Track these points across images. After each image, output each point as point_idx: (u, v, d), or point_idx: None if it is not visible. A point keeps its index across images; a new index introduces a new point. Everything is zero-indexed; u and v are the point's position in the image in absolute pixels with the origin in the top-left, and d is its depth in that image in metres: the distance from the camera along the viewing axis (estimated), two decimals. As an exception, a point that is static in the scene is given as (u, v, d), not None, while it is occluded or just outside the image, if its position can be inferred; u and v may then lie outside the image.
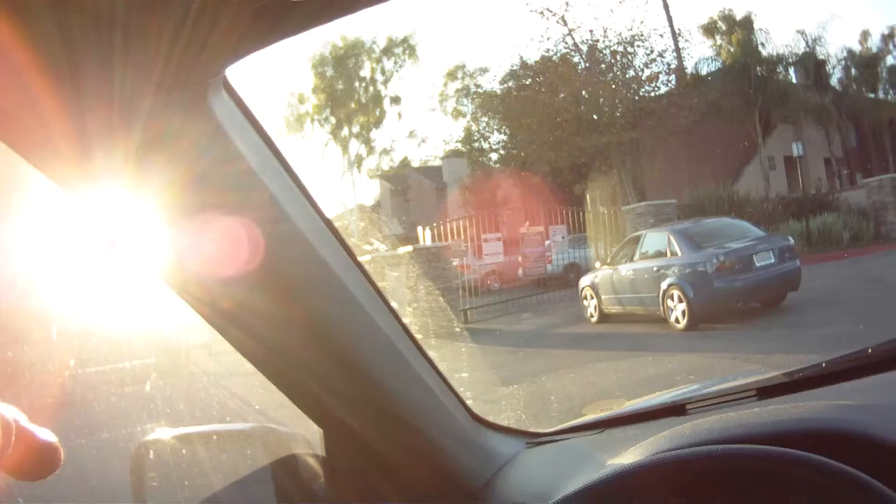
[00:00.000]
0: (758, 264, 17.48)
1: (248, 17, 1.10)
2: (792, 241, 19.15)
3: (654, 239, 20.09)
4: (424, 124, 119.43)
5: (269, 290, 1.61)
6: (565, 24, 44.44)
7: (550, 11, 43.74)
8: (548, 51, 45.25)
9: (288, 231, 1.55)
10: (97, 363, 10.19)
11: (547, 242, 31.18)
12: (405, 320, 1.96)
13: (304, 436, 2.20)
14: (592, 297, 21.41)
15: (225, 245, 1.45)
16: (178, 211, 1.41)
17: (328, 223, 1.69)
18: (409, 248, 24.67)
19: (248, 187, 1.45)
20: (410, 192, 65.94)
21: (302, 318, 1.69)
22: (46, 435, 0.70)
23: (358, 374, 1.86)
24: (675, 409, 2.33)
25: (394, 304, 1.93)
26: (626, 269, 20.27)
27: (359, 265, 1.79)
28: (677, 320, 17.41)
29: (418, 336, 2.02)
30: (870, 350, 2.14)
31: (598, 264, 23.30)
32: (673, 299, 17.65)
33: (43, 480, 0.69)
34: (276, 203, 1.50)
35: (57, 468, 0.70)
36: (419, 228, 28.75)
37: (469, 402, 2.26)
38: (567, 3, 45.40)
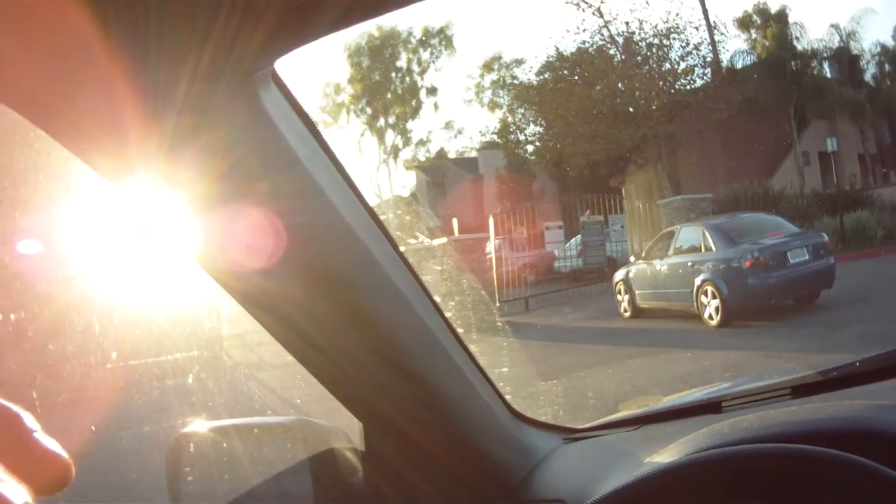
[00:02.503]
0: (792, 261, 17.40)
1: (297, 11, 1.11)
2: (826, 237, 18.97)
3: (689, 233, 20.01)
4: (461, 115, 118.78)
5: (312, 280, 1.60)
6: (601, 15, 44.24)
7: (586, 3, 43.61)
8: (584, 42, 45.21)
9: (333, 222, 1.55)
10: (139, 356, 10.21)
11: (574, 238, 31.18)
12: (447, 314, 1.97)
13: (343, 430, 2.19)
14: (626, 292, 21.35)
15: (270, 235, 1.43)
16: (222, 201, 1.40)
17: (373, 214, 1.68)
18: (444, 239, 24.17)
19: (293, 176, 1.45)
20: (447, 183, 65.30)
21: (344, 309, 1.68)
22: (57, 449, 0.66)
23: (399, 366, 1.85)
24: (711, 407, 2.33)
25: (436, 298, 1.92)
26: (660, 264, 20.24)
27: (401, 257, 1.79)
28: (711, 317, 17.36)
29: (459, 329, 2.02)
30: None
31: (632, 258, 23.23)
32: (707, 295, 17.58)
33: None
34: (321, 194, 1.50)
35: (66, 486, 0.66)
36: (454, 220, 28.66)
37: (507, 398, 2.26)
38: (603, -5, 44.77)
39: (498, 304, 24.04)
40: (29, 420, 0.66)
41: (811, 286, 17.82)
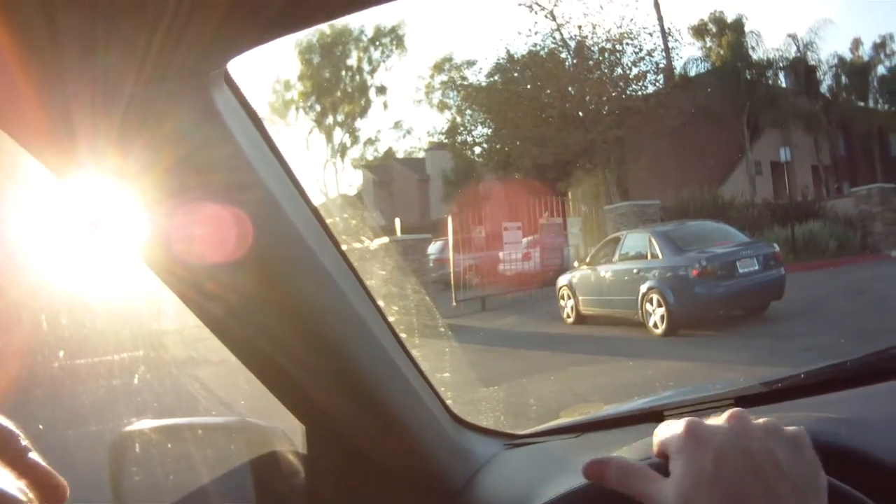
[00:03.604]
0: (741, 270, 17.11)
1: (251, 11, 1.09)
2: (777, 248, 18.81)
3: (635, 240, 19.68)
4: (410, 115, 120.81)
5: (253, 277, 1.55)
6: (554, 19, 44.49)
7: (539, 6, 43.71)
8: (535, 45, 45.84)
9: (277, 219, 1.51)
10: (86, 354, 9.63)
11: (526, 239, 31.07)
12: (389, 317, 1.95)
13: (285, 432, 2.14)
14: (570, 297, 21.05)
15: (214, 230, 1.41)
16: (167, 196, 1.36)
17: (317, 214, 1.66)
18: (385, 239, 23.90)
19: (239, 172, 1.40)
20: (393, 183, 66.75)
21: (286, 308, 1.64)
22: (52, 470, 0.67)
23: (340, 368, 1.82)
24: (653, 415, 2.31)
25: (379, 301, 1.91)
26: (604, 270, 19.90)
27: (344, 257, 1.76)
28: (656, 325, 17.00)
29: (401, 333, 2.01)
30: (849, 363, 2.22)
31: (576, 263, 22.93)
32: (652, 303, 17.25)
33: None
34: (265, 190, 1.46)
35: None
36: (396, 220, 28.80)
37: (448, 402, 2.24)
38: (556, -2, 45.17)
39: (454, 304, 25.53)
40: (23, 440, 0.68)
41: (760, 297, 17.61)
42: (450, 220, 28.38)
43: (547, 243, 30.27)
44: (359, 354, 1.83)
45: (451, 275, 27.13)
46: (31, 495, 0.61)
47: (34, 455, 0.67)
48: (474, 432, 2.38)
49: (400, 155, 71.04)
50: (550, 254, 30.09)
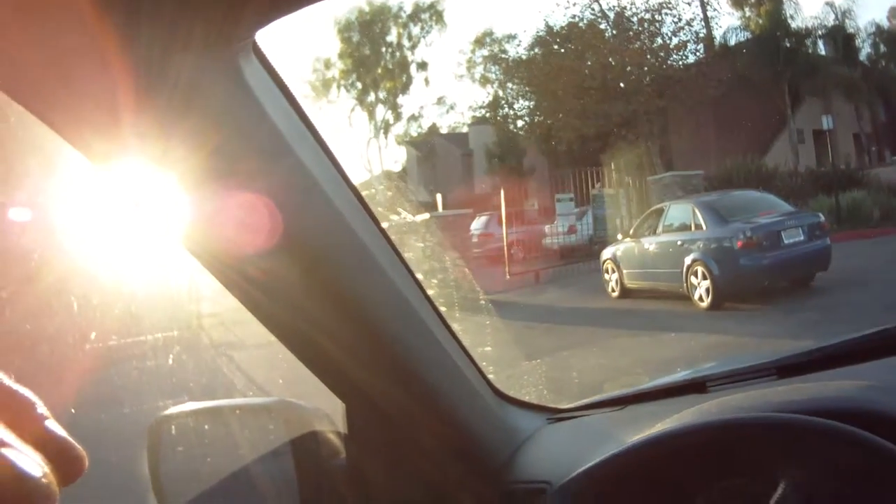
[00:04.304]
0: (786, 241, 16.83)
1: None
2: (822, 217, 18.39)
3: (678, 211, 19.44)
4: (453, 91, 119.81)
5: (294, 258, 1.57)
6: None
7: None
8: (574, 17, 45.13)
9: (315, 198, 1.54)
10: (118, 336, 9.87)
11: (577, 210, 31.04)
12: (430, 292, 1.97)
13: (325, 411, 2.15)
14: (614, 271, 20.81)
15: (251, 211, 1.41)
16: (203, 177, 1.38)
17: (356, 192, 1.69)
18: (426, 215, 23.89)
19: (276, 153, 1.43)
20: (437, 158, 66.43)
21: (326, 287, 1.66)
22: (70, 438, 0.65)
23: (382, 344, 1.83)
24: (696, 387, 2.37)
25: (418, 275, 1.93)
26: (648, 243, 19.69)
27: (384, 234, 1.79)
28: (701, 298, 16.77)
29: (442, 308, 2.03)
30: (892, 329, 2.17)
31: (619, 236, 22.68)
32: (697, 276, 17.04)
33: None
34: (303, 170, 1.49)
35: (80, 476, 0.65)
36: (437, 195, 28.73)
37: (490, 377, 2.25)
38: (594, -31, 44.79)
39: (508, 277, 25.39)
40: (42, 408, 0.67)
41: (806, 268, 17.25)
42: (502, 193, 27.83)
43: (600, 214, 29.97)
44: (399, 331, 1.85)
45: (505, 248, 26.79)
46: (47, 469, 0.59)
47: (52, 423, 0.66)
48: (517, 407, 2.40)
49: (444, 130, 70.82)
50: (603, 224, 29.73)
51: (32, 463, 0.58)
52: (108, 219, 1.68)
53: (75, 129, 1.28)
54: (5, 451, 0.57)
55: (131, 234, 1.66)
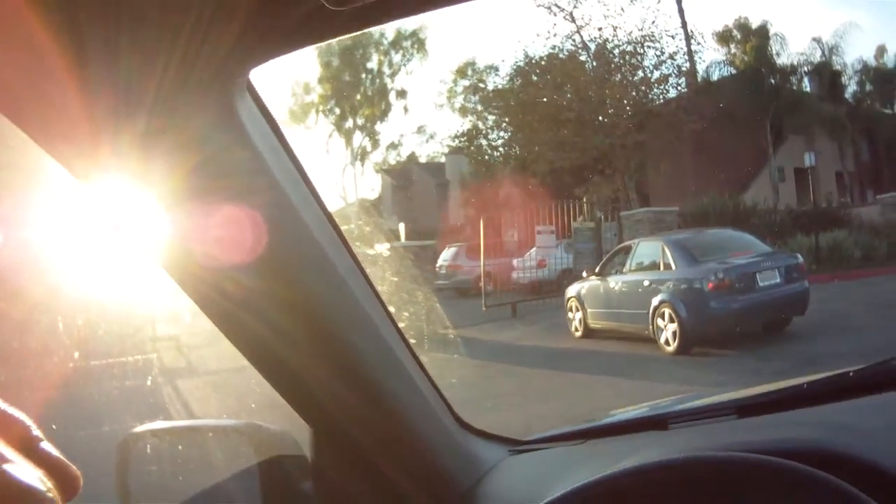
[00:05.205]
0: (761, 284, 16.08)
1: (272, 22, 1.18)
2: (800, 259, 17.79)
3: (648, 248, 18.70)
4: (434, 120, 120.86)
5: (268, 281, 1.64)
6: (573, 20, 44.18)
7: (558, 7, 43.46)
8: (554, 48, 45.17)
9: (293, 225, 1.60)
10: (101, 356, 10.82)
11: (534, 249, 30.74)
12: (400, 324, 2.04)
13: (293, 435, 2.18)
14: (578, 310, 19.97)
15: (231, 235, 1.48)
16: (186, 200, 1.44)
17: (331, 220, 1.76)
18: (387, 245, 23.48)
19: (259, 183, 1.50)
20: (412, 187, 67.12)
21: (299, 311, 1.73)
22: (65, 459, 0.69)
23: (351, 371, 1.90)
24: (657, 423, 2.41)
25: (390, 307, 2.00)
26: (615, 282, 18.90)
27: (357, 263, 1.86)
28: (667, 342, 15.91)
29: (411, 340, 2.10)
30: (851, 373, 2.25)
31: (584, 273, 21.72)
32: (664, 318, 16.17)
33: None
34: (284, 198, 1.56)
35: (75, 496, 0.68)
36: (400, 225, 28.66)
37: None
38: (576, 0, 44.88)
39: (484, 309, 25.74)
40: (36, 430, 0.69)
41: (782, 313, 16.56)
42: (482, 223, 28.30)
43: (580, 248, 29.26)
44: (367, 357, 1.91)
45: (482, 279, 27.26)
46: (49, 484, 0.60)
47: (47, 445, 0.66)
48: (480, 438, 2.47)
49: (423, 159, 71.53)
50: (583, 259, 28.57)
51: (35, 478, 0.60)
52: (93, 238, 1.69)
53: (61, 148, 1.33)
54: (7, 466, 0.60)
55: (115, 254, 1.71)
